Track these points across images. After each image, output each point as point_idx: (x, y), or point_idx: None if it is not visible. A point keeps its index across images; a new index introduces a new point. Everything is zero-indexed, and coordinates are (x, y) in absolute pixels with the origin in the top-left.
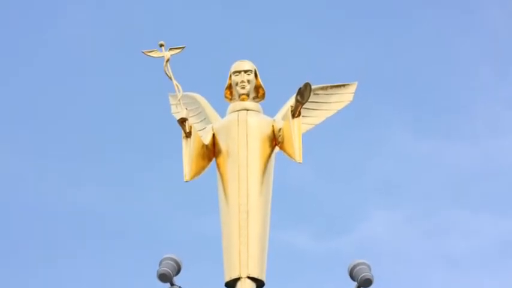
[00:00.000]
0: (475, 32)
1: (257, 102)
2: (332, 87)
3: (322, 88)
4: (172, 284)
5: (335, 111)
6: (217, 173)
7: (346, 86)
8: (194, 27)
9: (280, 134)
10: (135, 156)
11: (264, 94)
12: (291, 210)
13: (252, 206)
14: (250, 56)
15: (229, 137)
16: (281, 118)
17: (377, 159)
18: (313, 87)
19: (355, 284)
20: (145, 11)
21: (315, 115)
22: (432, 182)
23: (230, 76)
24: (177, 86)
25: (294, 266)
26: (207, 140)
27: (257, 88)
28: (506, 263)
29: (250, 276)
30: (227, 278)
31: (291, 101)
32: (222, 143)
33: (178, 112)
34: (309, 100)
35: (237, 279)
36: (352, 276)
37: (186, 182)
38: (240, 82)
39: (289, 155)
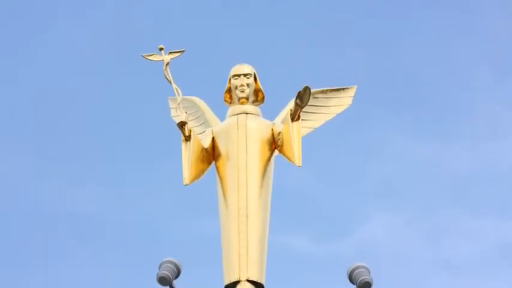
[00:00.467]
0: (474, 33)
1: (256, 105)
2: (331, 90)
3: (321, 92)
4: (171, 287)
5: (334, 115)
6: (217, 177)
7: (345, 90)
8: (194, 31)
9: (279, 137)
10: (134, 159)
11: (263, 98)
12: (291, 213)
13: (252, 209)
14: (250, 60)
15: (229, 140)
16: (280, 121)
17: (376, 162)
18: (312, 90)
19: (354, 287)
20: (145, 15)
21: (314, 119)
22: (432, 185)
23: (229, 80)
24: (176, 89)
25: (293, 269)
26: (207, 144)
27: (256, 92)
28: (507, 266)
29: (250, 279)
30: (226, 281)
31: (291, 105)
32: (221, 147)
33: (178, 116)
34: (309, 104)
35: (237, 282)
36: (352, 279)
37: (186, 185)
38: (240, 86)
39: (289, 159)
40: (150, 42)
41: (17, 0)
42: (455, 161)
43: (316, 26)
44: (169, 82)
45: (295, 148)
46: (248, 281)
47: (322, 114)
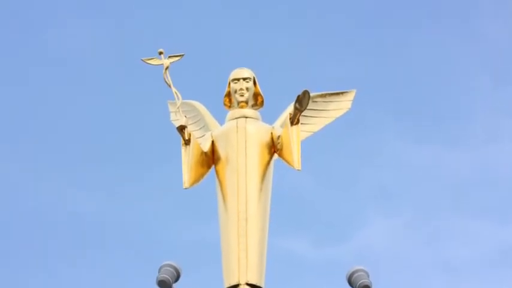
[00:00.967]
0: (473, 39)
1: (256, 109)
2: (330, 94)
3: (320, 96)
4: None
5: (333, 119)
6: (216, 180)
7: (344, 94)
8: (193, 35)
9: (279, 141)
10: (134, 162)
11: (262, 101)
12: (290, 217)
13: (251, 213)
14: (249, 64)
15: (228, 144)
16: (280, 125)
17: (376, 166)
18: (311, 94)
19: None
20: (144, 19)
21: (313, 122)
22: (431, 189)
23: (229, 84)
24: (176, 93)
25: (292, 273)
26: (206, 147)
27: (256, 96)
28: (506, 270)
29: (249, 282)
30: (226, 285)
31: (290, 109)
32: (221, 150)
33: (178, 119)
34: (308, 108)
35: (236, 285)
36: (351, 282)
37: (185, 189)
38: (239, 90)
39: (288, 163)
40: (149, 46)
41: (16, 2)
42: (455, 165)
43: (316, 30)
44: (169, 86)
45: (294, 152)
46: (247, 284)
47: (321, 118)
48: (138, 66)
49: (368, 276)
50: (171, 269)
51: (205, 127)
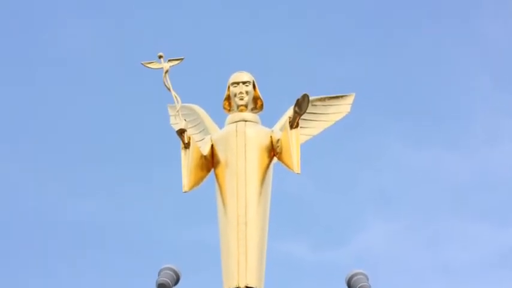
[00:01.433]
0: (473, 41)
1: (255, 113)
2: (330, 98)
3: (320, 99)
4: None
5: (333, 122)
6: (216, 184)
7: (343, 97)
8: (193, 39)
9: (278, 144)
10: (134, 166)
11: (262, 105)
12: (289, 220)
13: (250, 216)
14: (249, 68)
15: (228, 147)
16: (279, 129)
17: (375, 169)
18: (311, 98)
19: None
20: (144, 23)
21: (313, 126)
22: (430, 192)
23: (228, 87)
24: (175, 97)
25: (292, 276)
26: (206, 151)
27: (255, 99)
28: (505, 273)
29: (249, 286)
30: None
31: (289, 112)
32: (220, 154)
33: (177, 123)
34: (307, 111)
35: None
36: (350, 286)
37: (185, 192)
38: (239, 93)
39: (288, 166)
40: (149, 48)
41: (16, 4)
42: (454, 168)
43: (315, 34)
44: (169, 90)
45: (294, 155)
46: (247, 287)
47: (320, 121)
48: (138, 69)
49: (367, 279)
50: (170, 272)
51: (204, 131)
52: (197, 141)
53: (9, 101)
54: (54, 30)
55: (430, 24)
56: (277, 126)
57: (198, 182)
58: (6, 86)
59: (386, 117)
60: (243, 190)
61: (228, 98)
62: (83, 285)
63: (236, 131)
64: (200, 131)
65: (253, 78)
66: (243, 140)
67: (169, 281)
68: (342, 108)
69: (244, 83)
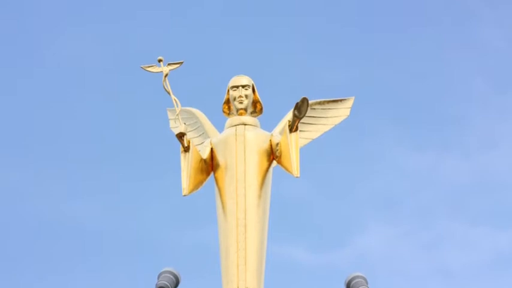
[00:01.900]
0: (470, 45)
1: (255, 116)
2: (329, 102)
3: (319, 103)
4: None
5: (332, 126)
6: (215, 187)
7: (343, 101)
8: (192, 43)
9: (277, 148)
10: (134, 170)
11: (261, 109)
12: (289, 223)
13: (250, 220)
14: (248, 71)
15: (227, 151)
16: (279, 132)
17: (374, 173)
18: (310, 102)
19: None
20: (144, 27)
21: (312, 130)
22: (429, 196)
23: (228, 91)
24: (175, 100)
25: (291, 279)
26: (205, 155)
27: (255, 103)
28: (503, 276)
29: None
30: None
31: (289, 116)
32: (220, 158)
33: (177, 127)
34: (306, 115)
35: None
36: None
37: (185, 196)
38: (238, 97)
39: (287, 170)
40: (148, 54)
41: (16, 10)
42: (452, 171)
43: (314, 37)
44: (168, 93)
45: (293, 159)
46: None
47: (320, 125)
48: (138, 73)
49: (366, 282)
50: (170, 275)
51: (204, 134)
52: (197, 145)
53: (10, 104)
54: (54, 34)
55: (429, 29)
56: (277, 130)
57: (197, 185)
58: (6, 87)
59: (385, 120)
60: (243, 193)
61: (228, 102)
62: None
63: (236, 134)
64: (200, 135)
65: (252, 82)
66: (242, 143)
67: (168, 284)
68: (341, 112)
69: (243, 86)
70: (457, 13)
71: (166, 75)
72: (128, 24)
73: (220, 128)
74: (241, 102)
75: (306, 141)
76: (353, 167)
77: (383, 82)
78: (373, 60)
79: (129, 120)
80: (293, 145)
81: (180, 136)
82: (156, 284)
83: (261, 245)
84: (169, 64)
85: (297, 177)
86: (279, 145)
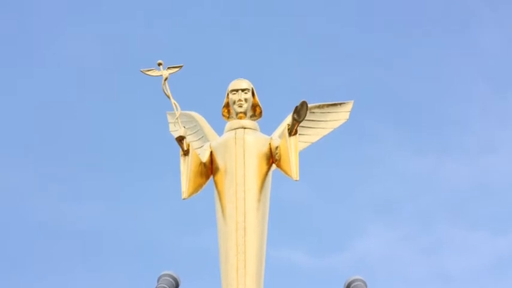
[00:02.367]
0: (471, 49)
1: (254, 120)
2: (328, 105)
3: (318, 107)
4: None
5: (331, 130)
6: (215, 191)
7: (342, 105)
8: (192, 46)
9: (277, 152)
10: (133, 173)
11: (261, 112)
12: (288, 227)
13: (249, 223)
14: (248, 75)
15: (227, 155)
16: (278, 136)
17: (373, 177)
18: (309, 105)
19: None
20: (143, 30)
21: (311, 133)
22: (429, 200)
23: (227, 95)
24: (175, 104)
25: (291, 283)
26: (205, 158)
27: (254, 106)
28: (503, 280)
29: None
30: None
31: (288, 120)
32: (219, 161)
33: (176, 130)
34: (306, 118)
35: None
36: None
37: (184, 199)
38: (238, 101)
39: (286, 173)
40: (148, 54)
41: (16, 11)
42: (452, 175)
43: (314, 41)
44: (168, 97)
45: (292, 162)
46: None
47: (319, 129)
48: (138, 75)
49: (366, 286)
50: (169, 278)
51: (204, 138)
52: (196, 148)
53: (9, 104)
54: (54, 35)
55: (428, 33)
56: (276, 134)
57: (197, 189)
58: (6, 88)
59: (385, 124)
60: (242, 197)
61: (227, 105)
62: None
63: (235, 138)
64: (199, 138)
65: (252, 86)
66: (242, 147)
67: (168, 287)
68: (341, 116)
69: (243, 90)
70: (458, 16)
71: (166, 78)
72: (127, 25)
73: (219, 131)
74: (240, 106)
75: (305, 145)
76: (352, 170)
77: (382, 85)
78: (373, 64)
79: (129, 124)
80: (292, 148)
81: (180, 140)
82: (156, 287)
83: (261, 249)
84: (168, 68)
85: (296, 180)
86: (278, 148)
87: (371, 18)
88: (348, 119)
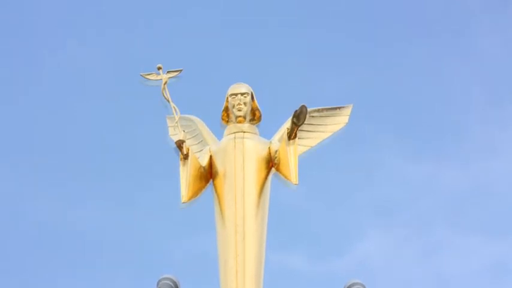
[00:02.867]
0: (468, 55)
1: (253, 124)
2: (327, 109)
3: (317, 111)
4: None
5: (330, 134)
6: (214, 195)
7: (341, 109)
8: (192, 51)
9: (276, 155)
10: (133, 177)
11: (260, 116)
12: (287, 231)
13: (248, 227)
14: (247, 79)
15: (226, 159)
16: (277, 140)
17: (372, 181)
18: (308, 109)
19: None
20: (143, 34)
21: (310, 137)
22: (427, 204)
23: (227, 99)
24: (174, 108)
25: (290, 287)
26: (204, 162)
27: (253, 111)
28: (501, 285)
29: None
30: None
31: (287, 124)
32: (219, 165)
33: (176, 134)
34: (305, 122)
35: None
36: None
37: (184, 203)
38: (237, 105)
39: (286, 177)
40: (148, 61)
41: (18, 16)
42: (451, 180)
43: (313, 45)
44: (167, 101)
45: (291, 166)
46: None
47: (318, 133)
48: (138, 81)
49: None
50: (169, 282)
51: (203, 142)
52: (196, 152)
53: (11, 109)
54: (55, 40)
55: (427, 39)
56: (275, 138)
57: (196, 193)
58: (7, 92)
59: (384, 129)
60: (241, 201)
61: (227, 110)
62: None
63: (234, 142)
64: (199, 142)
65: (251, 90)
66: (241, 151)
67: None
68: (340, 120)
69: (242, 94)
70: (456, 23)
71: (165, 82)
72: (127, 31)
73: (219, 135)
74: (240, 110)
75: (304, 149)
76: (351, 174)
77: (381, 90)
78: (372, 69)
79: (129, 127)
80: (292, 153)
81: (179, 144)
82: None
83: (260, 253)
84: (168, 72)
85: (295, 184)
86: (277, 152)
87: (370, 25)
88: (347, 123)
